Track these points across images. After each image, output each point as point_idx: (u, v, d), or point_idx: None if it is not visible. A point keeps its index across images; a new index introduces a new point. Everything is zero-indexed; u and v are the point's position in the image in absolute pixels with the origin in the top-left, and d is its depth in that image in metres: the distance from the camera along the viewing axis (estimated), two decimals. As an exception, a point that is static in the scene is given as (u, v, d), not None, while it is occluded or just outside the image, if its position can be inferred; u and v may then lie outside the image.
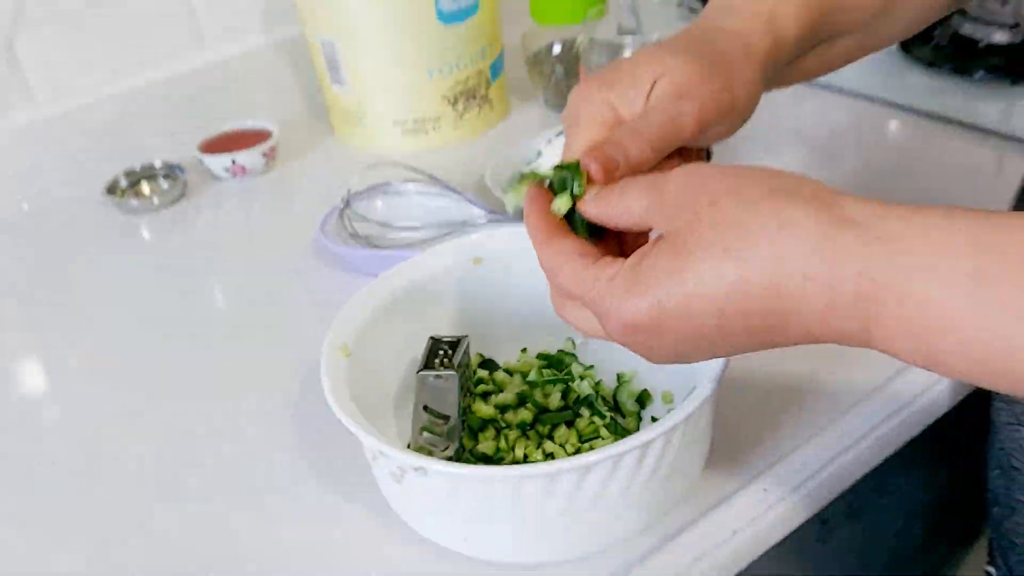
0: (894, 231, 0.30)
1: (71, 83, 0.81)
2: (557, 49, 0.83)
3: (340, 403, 0.42)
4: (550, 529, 0.41)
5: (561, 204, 0.37)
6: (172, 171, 0.82)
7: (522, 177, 0.39)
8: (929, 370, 0.31)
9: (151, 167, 0.83)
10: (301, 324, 0.62)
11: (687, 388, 0.42)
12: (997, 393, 0.53)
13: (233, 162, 0.81)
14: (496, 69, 0.84)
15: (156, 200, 0.79)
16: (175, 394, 0.58)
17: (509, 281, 0.51)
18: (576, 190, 0.36)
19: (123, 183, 0.81)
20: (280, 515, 0.48)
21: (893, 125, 0.80)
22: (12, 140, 0.79)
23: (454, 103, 0.81)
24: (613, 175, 0.36)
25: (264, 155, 0.82)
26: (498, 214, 0.67)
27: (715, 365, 0.41)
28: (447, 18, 0.79)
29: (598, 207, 0.36)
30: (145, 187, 0.82)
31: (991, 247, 0.28)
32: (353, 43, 0.79)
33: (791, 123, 0.81)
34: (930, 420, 0.52)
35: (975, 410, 0.55)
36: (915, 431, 0.51)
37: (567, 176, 0.37)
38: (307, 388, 0.55)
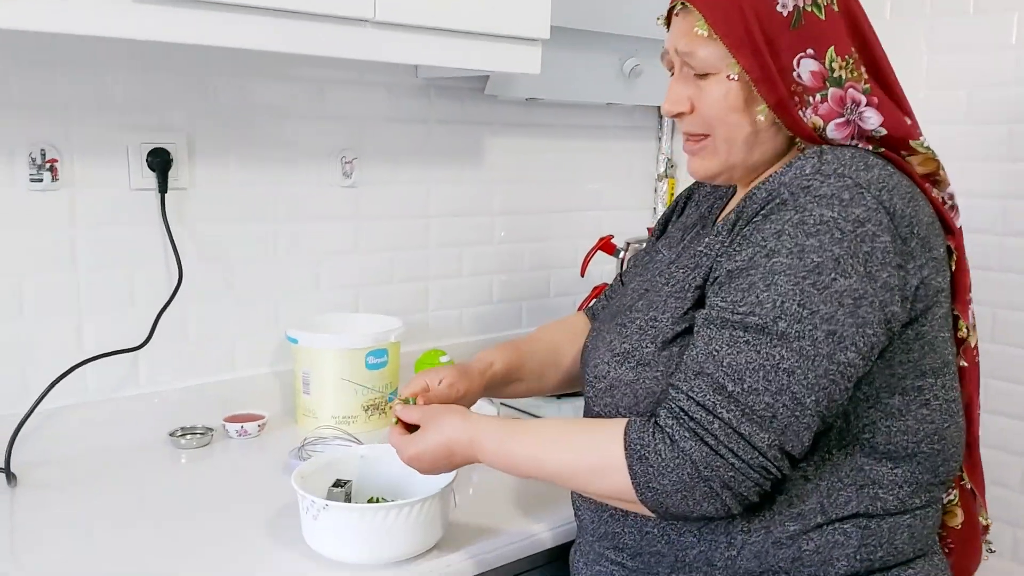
0: (482, 422, 1.01)
1: (170, 377, 1.52)
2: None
3: (298, 486, 1.07)
4: (383, 542, 1.05)
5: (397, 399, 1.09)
6: (207, 430, 1.50)
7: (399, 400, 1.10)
8: (504, 470, 1.00)
9: (194, 427, 1.50)
10: (277, 491, 1.26)
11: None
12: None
13: (242, 427, 1.50)
14: (391, 395, 1.58)
15: (195, 443, 1.46)
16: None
17: (376, 465, 1.19)
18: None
19: (178, 432, 1.48)
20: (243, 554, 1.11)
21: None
22: (124, 407, 1.48)
23: (366, 409, 1.53)
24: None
25: (259, 427, 1.51)
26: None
27: (441, 483, 1.08)
28: (371, 367, 1.54)
29: (404, 414, 1.07)
30: (188, 436, 1.48)
31: (510, 426, 1.00)
32: (320, 373, 1.53)
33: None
34: (545, 547, 1.18)
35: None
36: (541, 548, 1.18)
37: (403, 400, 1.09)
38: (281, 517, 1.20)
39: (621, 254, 1.87)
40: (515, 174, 1.95)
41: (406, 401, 1.09)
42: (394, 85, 1.73)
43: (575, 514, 1.11)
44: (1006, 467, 1.76)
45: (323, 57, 1.32)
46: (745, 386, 0.85)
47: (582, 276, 1.91)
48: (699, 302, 0.95)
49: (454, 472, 1.09)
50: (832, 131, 0.93)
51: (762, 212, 0.90)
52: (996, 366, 1.73)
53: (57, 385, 1.37)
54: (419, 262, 1.83)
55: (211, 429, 1.50)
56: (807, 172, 0.89)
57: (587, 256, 1.88)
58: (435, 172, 1.82)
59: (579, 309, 1.89)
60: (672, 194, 2.16)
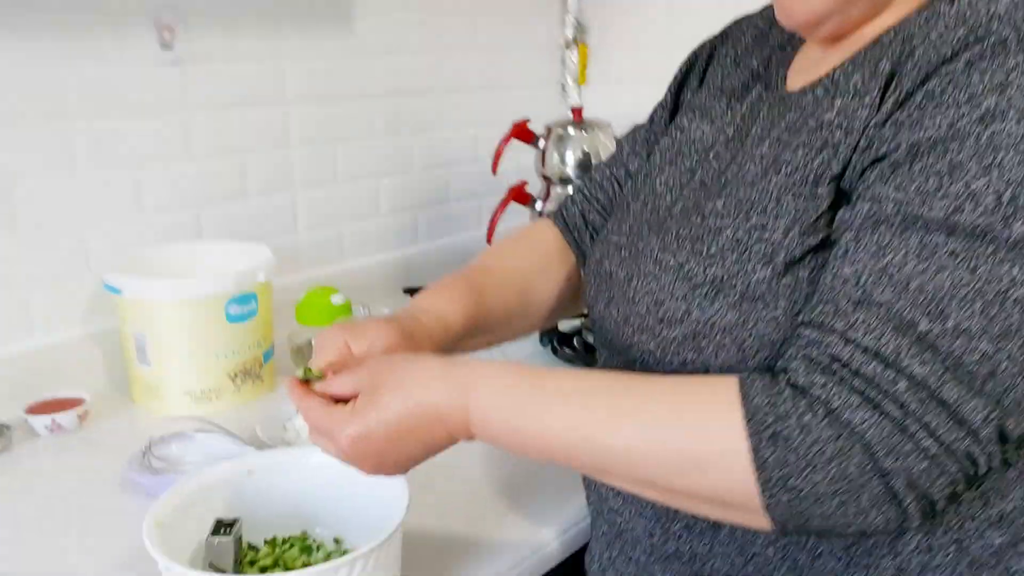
0: (477, 374, 0.62)
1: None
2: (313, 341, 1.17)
3: (156, 548, 0.66)
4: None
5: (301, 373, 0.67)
6: (2, 428, 1.03)
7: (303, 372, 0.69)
8: (521, 453, 0.62)
9: (-21, 426, 1.03)
10: (111, 533, 0.84)
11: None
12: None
13: (52, 421, 1.04)
14: (267, 355, 1.16)
15: (-18, 451, 1.00)
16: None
17: (275, 481, 0.79)
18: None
19: (-46, 438, 1.01)
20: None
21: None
22: None
23: (234, 378, 1.11)
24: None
25: (79, 416, 1.06)
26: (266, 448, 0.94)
27: (394, 522, 0.70)
28: (233, 319, 1.11)
29: (324, 386, 0.67)
30: (-29, 442, 1.02)
31: (530, 382, 0.61)
32: (160, 334, 1.08)
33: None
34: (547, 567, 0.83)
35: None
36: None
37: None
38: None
39: (541, 143, 1.48)
40: (394, 46, 1.50)
41: (307, 379, 0.69)
42: (226, -82, 1.23)
43: (602, 516, 0.77)
44: None
45: None
46: (949, 324, 0.51)
47: (494, 173, 1.52)
48: (836, 201, 0.60)
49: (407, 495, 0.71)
50: None
51: (963, 57, 0.55)
52: None
53: None
54: (279, 166, 1.38)
55: (7, 426, 1.03)
56: None
57: (499, 147, 1.49)
58: (290, 43, 1.35)
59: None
60: (584, 64, 1.77)
